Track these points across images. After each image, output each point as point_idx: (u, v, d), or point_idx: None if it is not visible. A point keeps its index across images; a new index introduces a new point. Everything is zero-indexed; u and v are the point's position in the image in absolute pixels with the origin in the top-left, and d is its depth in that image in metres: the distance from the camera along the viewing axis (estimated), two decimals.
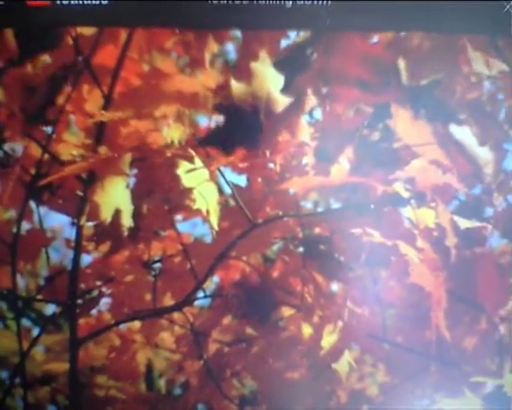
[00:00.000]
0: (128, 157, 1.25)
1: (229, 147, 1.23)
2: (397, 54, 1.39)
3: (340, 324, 1.48)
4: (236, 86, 1.22)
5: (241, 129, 1.23)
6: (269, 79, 1.23)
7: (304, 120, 1.32)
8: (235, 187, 1.37)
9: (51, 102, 1.37)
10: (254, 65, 1.23)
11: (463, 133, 1.36)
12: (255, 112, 1.23)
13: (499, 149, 1.43)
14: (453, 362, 1.53)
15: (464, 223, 1.33)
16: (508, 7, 1.24)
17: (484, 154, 1.37)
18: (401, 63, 1.34)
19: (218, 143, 1.24)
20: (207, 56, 1.45)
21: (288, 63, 1.36)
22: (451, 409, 1.36)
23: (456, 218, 1.32)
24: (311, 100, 1.33)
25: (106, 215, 1.22)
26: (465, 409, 1.36)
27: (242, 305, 1.53)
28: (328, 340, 1.47)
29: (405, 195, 1.27)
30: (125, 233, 1.26)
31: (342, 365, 1.47)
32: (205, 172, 1.27)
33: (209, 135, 1.25)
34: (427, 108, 1.32)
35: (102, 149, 1.24)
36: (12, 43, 1.36)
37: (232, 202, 1.48)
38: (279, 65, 1.26)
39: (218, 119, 1.24)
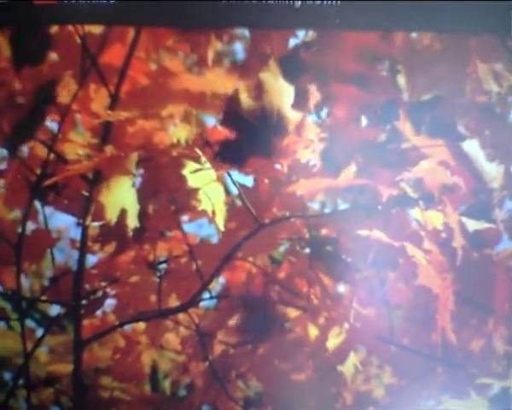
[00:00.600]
0: (134, 156, 1.24)
1: (241, 160, 1.23)
2: (403, 53, 1.39)
3: (346, 325, 1.47)
4: (246, 101, 1.21)
5: (251, 144, 1.22)
6: (279, 94, 1.22)
7: (309, 118, 1.32)
8: (242, 187, 1.36)
9: (38, 118, 1.37)
10: (264, 76, 1.22)
11: (471, 146, 1.35)
12: (266, 129, 1.22)
13: (508, 158, 1.43)
14: (459, 364, 1.52)
15: (472, 224, 1.33)
16: None
17: (491, 169, 1.36)
18: (401, 79, 1.33)
19: (229, 158, 1.23)
20: (210, 55, 1.45)
21: (286, 63, 1.35)
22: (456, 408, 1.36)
23: (464, 219, 1.31)
24: (315, 97, 1.32)
25: (111, 216, 1.21)
26: None
27: (243, 321, 1.53)
28: (334, 341, 1.46)
29: (413, 195, 1.27)
30: (131, 234, 1.26)
31: (348, 367, 1.46)
32: (211, 173, 1.27)
33: (220, 150, 1.24)
34: (429, 125, 1.31)
35: (108, 149, 1.23)
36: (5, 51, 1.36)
37: (239, 203, 1.48)
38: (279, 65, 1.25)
39: (229, 133, 1.23)
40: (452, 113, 1.37)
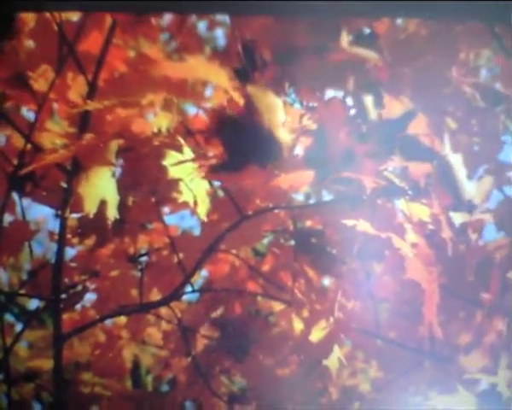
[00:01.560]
0: (114, 146, 1.22)
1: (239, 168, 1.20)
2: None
3: (331, 319, 1.45)
4: (234, 118, 1.18)
5: (246, 155, 1.20)
6: (269, 112, 1.19)
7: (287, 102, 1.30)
8: None
9: None
10: (252, 90, 1.19)
11: (455, 162, 1.32)
12: (258, 149, 1.20)
13: (494, 146, 1.41)
14: (447, 358, 1.50)
15: (459, 217, 1.31)
16: None
17: (471, 188, 1.34)
18: (368, 99, 1.30)
19: (228, 170, 1.21)
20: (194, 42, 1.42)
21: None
22: (445, 407, 1.34)
23: (450, 213, 1.30)
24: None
25: (90, 207, 1.19)
26: (459, 408, 1.34)
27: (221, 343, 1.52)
28: (319, 335, 1.44)
29: (399, 185, 1.25)
30: (110, 225, 1.23)
31: (332, 361, 1.44)
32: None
33: (217, 166, 1.22)
34: (402, 146, 1.28)
35: (86, 137, 1.21)
36: None
37: (221, 194, 1.45)
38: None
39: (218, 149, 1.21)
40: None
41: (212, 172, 1.22)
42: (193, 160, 1.22)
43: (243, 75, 1.22)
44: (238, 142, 1.18)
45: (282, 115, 1.20)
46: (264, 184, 1.28)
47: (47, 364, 1.84)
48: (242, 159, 1.19)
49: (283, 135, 1.20)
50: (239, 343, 1.52)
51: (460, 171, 1.32)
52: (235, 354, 1.53)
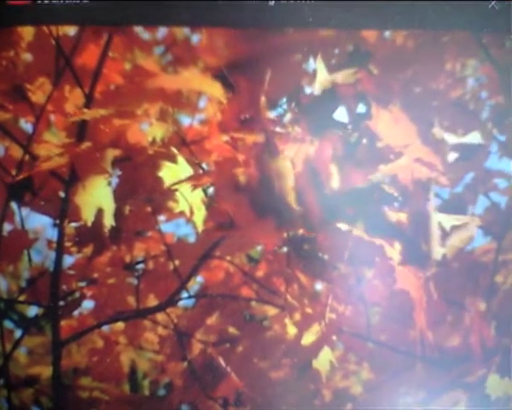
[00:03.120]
0: (110, 155, 1.24)
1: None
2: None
3: (323, 323, 1.47)
4: (246, 183, 1.20)
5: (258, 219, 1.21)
6: (279, 177, 1.21)
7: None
8: None
9: None
10: (264, 157, 1.20)
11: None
12: (270, 213, 1.21)
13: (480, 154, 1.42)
14: (437, 361, 1.52)
15: (448, 221, 1.32)
16: (493, 3, 1.23)
17: (441, 250, 1.34)
18: (334, 168, 1.30)
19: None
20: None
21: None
22: (435, 408, 1.36)
23: (441, 216, 1.31)
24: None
25: (87, 216, 1.21)
26: (449, 409, 1.36)
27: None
28: (311, 338, 1.46)
29: (389, 191, 1.26)
30: (107, 233, 1.25)
31: (323, 363, 1.46)
32: (189, 172, 1.27)
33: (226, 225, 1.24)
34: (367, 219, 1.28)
35: (82, 146, 1.23)
36: None
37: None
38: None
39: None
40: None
41: (220, 229, 1.24)
42: (188, 179, 1.24)
43: (226, 82, 1.24)
44: (250, 207, 1.20)
45: (292, 180, 1.22)
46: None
47: (46, 369, 1.86)
48: (254, 223, 1.21)
49: (295, 201, 1.22)
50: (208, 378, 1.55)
51: (435, 233, 1.31)
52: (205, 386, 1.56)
